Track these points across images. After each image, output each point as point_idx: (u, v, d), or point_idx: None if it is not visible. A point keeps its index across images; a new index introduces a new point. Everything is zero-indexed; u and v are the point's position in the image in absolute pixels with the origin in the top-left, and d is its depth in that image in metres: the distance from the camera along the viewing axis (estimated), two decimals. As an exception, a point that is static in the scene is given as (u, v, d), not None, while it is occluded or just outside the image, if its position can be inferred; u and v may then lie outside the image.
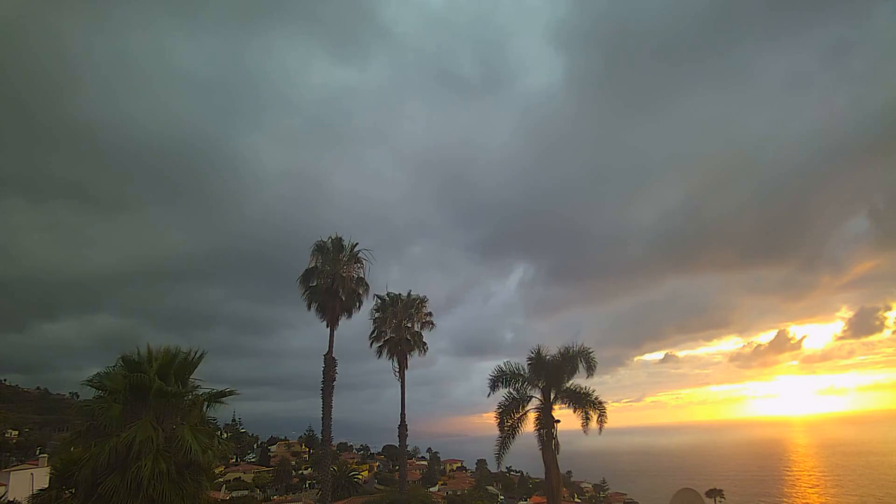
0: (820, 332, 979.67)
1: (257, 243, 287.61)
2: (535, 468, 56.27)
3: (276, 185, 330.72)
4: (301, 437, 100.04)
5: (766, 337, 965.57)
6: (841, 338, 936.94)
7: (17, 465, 39.97)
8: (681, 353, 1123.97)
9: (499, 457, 17.70)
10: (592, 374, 17.30)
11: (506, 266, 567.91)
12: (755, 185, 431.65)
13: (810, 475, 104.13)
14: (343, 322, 26.00)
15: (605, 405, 16.98)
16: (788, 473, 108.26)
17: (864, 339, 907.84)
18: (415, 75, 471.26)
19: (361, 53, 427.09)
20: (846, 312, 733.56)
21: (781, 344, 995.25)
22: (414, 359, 30.99)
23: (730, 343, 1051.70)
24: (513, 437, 17.41)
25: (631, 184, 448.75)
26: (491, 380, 17.91)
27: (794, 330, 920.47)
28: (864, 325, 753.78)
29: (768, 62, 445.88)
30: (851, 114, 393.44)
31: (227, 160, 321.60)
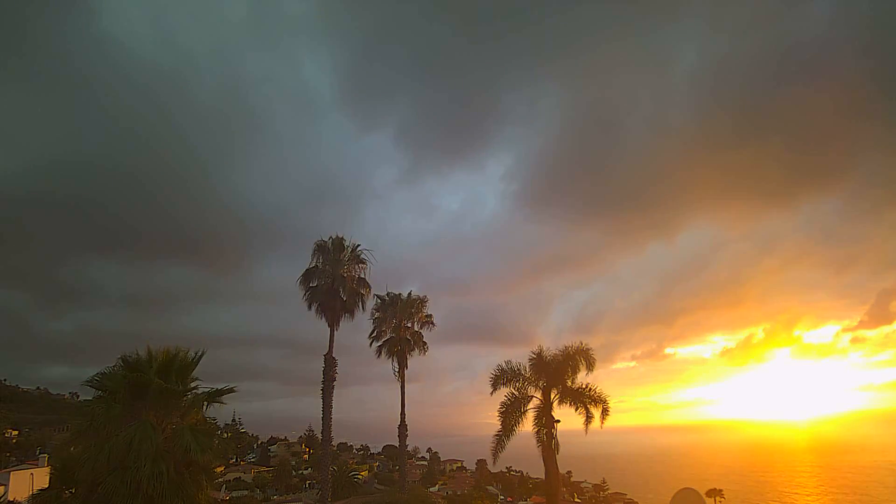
0: (841, 316, 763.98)
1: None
2: (535, 468, 56.29)
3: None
4: (301, 437, 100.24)
5: (774, 325, 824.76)
6: (859, 327, 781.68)
7: (17, 465, 40.04)
8: (680, 348, 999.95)
9: (495, 455, 17.76)
10: (591, 370, 17.26)
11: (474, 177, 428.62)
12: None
13: (811, 476, 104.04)
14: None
15: (608, 400, 16.87)
16: (789, 474, 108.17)
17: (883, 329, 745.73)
18: None
19: None
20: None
21: (792, 331, 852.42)
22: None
23: (734, 335, 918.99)
24: (509, 437, 17.46)
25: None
26: (492, 379, 17.96)
27: (810, 318, 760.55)
28: (885, 311, 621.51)
29: None
30: None
31: None
